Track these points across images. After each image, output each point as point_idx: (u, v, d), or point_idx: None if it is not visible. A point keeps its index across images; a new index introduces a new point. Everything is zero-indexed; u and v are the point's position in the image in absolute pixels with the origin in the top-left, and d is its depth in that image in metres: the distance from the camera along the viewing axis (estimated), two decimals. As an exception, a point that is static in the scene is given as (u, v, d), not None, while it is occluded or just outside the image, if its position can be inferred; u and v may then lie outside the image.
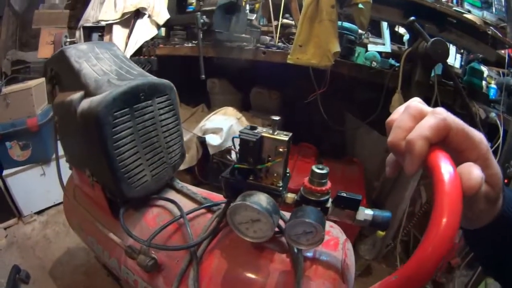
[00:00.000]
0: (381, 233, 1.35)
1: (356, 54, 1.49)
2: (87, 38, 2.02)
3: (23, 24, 2.31)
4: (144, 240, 0.69)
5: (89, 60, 0.78)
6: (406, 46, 1.29)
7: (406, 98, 1.25)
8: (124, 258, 0.78)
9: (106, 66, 0.80)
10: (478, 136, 0.30)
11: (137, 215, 0.83)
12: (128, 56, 1.82)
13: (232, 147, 0.59)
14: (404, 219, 1.43)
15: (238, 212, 0.53)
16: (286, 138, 0.53)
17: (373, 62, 1.40)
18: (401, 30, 1.46)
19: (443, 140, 0.29)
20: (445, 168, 0.27)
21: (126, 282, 0.83)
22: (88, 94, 0.71)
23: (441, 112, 0.29)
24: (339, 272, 0.60)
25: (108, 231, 0.81)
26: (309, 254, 0.63)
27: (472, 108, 1.24)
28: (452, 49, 1.49)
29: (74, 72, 0.74)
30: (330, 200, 0.56)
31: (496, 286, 1.04)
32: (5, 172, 1.65)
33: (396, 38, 1.55)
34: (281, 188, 0.55)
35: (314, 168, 0.52)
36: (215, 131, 1.70)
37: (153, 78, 0.80)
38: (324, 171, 0.52)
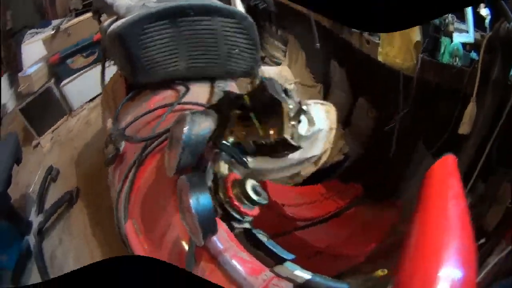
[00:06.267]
0: (380, 272, 0.92)
1: (442, 49, 1.16)
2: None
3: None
4: (117, 128, 0.74)
5: None
6: (488, 32, 0.91)
7: (480, 107, 0.94)
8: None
9: None
10: None
11: (149, 96, 0.85)
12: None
13: None
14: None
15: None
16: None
17: (456, 58, 1.08)
18: (483, 11, 1.00)
19: None
20: None
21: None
22: (119, 19, 0.82)
23: None
24: None
25: (108, 116, 0.92)
26: (220, 244, 0.46)
27: None
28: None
29: (108, 5, 0.92)
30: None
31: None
32: (63, 82, 1.77)
33: (480, 23, 1.11)
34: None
35: (249, 189, 0.47)
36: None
37: (215, 2, 0.85)
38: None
